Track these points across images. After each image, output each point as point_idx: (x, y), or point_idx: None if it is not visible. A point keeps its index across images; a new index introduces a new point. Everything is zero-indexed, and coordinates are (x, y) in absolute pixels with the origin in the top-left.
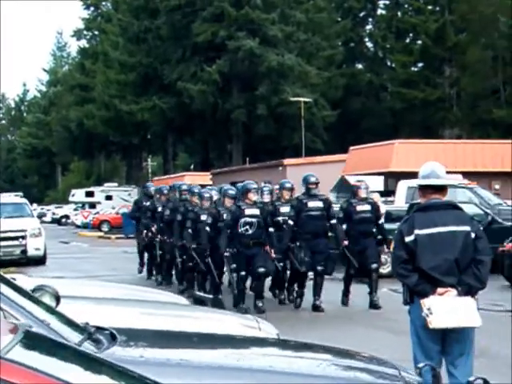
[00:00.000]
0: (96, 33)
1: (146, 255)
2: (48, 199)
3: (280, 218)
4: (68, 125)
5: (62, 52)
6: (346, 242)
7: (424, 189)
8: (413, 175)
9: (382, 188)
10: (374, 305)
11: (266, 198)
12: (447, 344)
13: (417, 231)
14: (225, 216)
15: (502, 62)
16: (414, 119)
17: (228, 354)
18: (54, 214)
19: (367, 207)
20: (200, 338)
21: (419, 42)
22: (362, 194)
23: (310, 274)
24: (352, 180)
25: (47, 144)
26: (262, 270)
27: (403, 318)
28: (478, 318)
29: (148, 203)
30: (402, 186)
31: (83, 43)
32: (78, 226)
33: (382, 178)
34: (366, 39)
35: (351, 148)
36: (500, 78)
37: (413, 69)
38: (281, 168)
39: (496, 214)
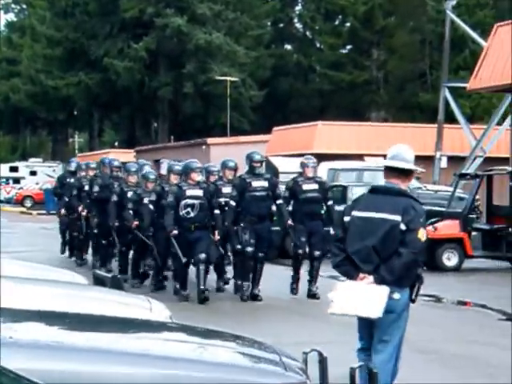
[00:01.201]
0: (24, 6)
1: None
2: None
3: (222, 199)
4: None
5: None
6: (290, 222)
7: (387, 171)
8: (335, 157)
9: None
10: (312, 294)
11: (213, 179)
12: (373, 329)
13: (354, 212)
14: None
15: (430, 46)
16: (341, 101)
17: (102, 336)
18: None
19: (314, 186)
20: (78, 319)
21: (348, 24)
22: (309, 172)
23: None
24: (276, 161)
25: None
26: (202, 256)
27: None
28: (379, 310)
29: (72, 180)
30: (323, 168)
31: (11, 17)
32: (1, 201)
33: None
34: (295, 20)
35: (274, 129)
36: (427, 62)
37: (341, 51)
38: (204, 147)
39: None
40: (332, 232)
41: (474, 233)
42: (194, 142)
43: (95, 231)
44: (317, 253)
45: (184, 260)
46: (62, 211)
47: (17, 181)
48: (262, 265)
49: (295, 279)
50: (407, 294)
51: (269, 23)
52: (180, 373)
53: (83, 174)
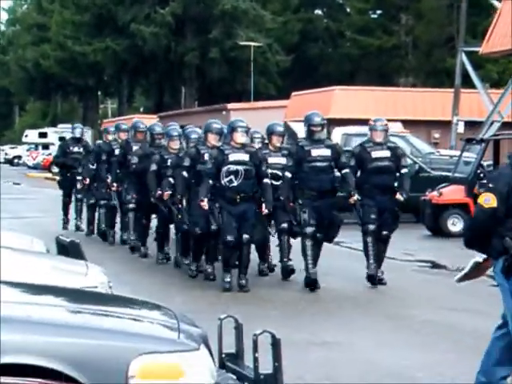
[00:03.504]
0: None
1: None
2: (5, 139)
3: (268, 171)
4: (25, 65)
5: None
6: (355, 197)
7: None
8: (352, 122)
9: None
10: (376, 280)
11: (256, 147)
12: None
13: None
14: (206, 157)
15: (457, 11)
16: (370, 66)
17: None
18: (6, 154)
19: (386, 153)
20: None
21: None
22: (379, 136)
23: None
24: (295, 126)
25: (5, 84)
26: (246, 237)
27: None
28: None
29: (76, 148)
30: (337, 133)
31: None
32: (29, 167)
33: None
34: None
35: (293, 94)
36: (454, 27)
37: (370, 16)
38: (224, 112)
39: (427, 163)
40: (398, 196)
41: None
42: (215, 108)
43: (130, 206)
44: (384, 233)
45: (228, 238)
46: (85, 181)
47: (46, 147)
48: (319, 246)
49: (367, 253)
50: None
51: None
52: (54, 339)
53: (110, 137)
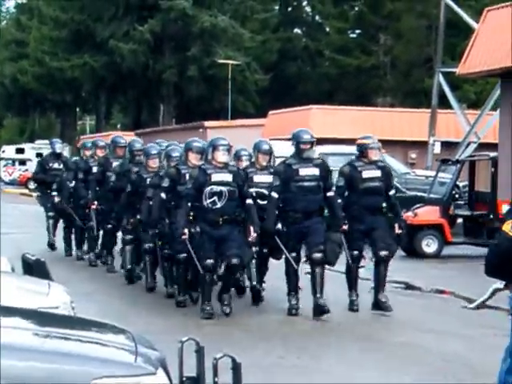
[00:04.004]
0: None
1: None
2: None
3: (253, 190)
4: (3, 80)
5: (0, 7)
6: (345, 227)
7: None
8: (329, 141)
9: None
10: (380, 305)
11: (243, 165)
12: None
13: None
14: (187, 177)
15: (436, 32)
16: (348, 86)
17: None
18: None
19: (377, 173)
20: None
21: (356, 8)
22: (373, 154)
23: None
24: (272, 145)
25: None
26: (235, 260)
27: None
28: None
29: (56, 164)
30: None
31: None
32: (6, 183)
33: None
34: (304, 3)
35: (270, 112)
36: (433, 48)
37: (349, 35)
38: (201, 130)
39: (402, 184)
40: (398, 230)
41: (459, 219)
42: (192, 125)
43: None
44: (383, 252)
45: (208, 263)
46: (56, 199)
47: (23, 162)
48: (322, 268)
49: (353, 293)
50: None
51: (276, 7)
52: (7, 362)
53: (87, 153)
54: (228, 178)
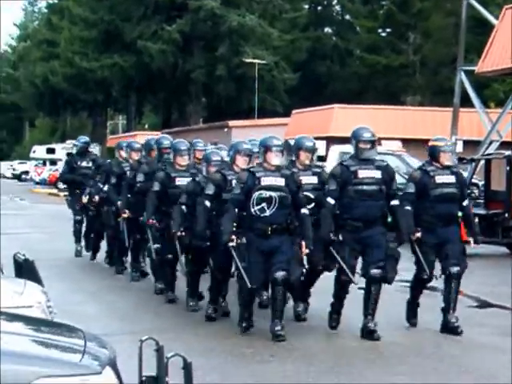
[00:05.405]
0: None
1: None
2: (15, 155)
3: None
4: (34, 80)
5: (33, 7)
6: (418, 234)
7: None
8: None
9: (323, 153)
10: (451, 328)
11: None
12: None
13: None
14: (233, 183)
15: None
16: (377, 84)
17: None
18: (14, 169)
19: (451, 179)
20: None
21: (385, 7)
22: (447, 159)
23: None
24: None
25: (15, 99)
26: (280, 274)
27: None
28: None
29: (84, 163)
30: (335, 151)
31: None
32: (36, 183)
33: (324, 142)
34: (334, 2)
35: (293, 111)
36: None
37: (379, 34)
38: (226, 129)
39: None
40: (473, 245)
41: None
42: (217, 125)
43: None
44: (455, 269)
45: (255, 285)
46: (84, 199)
47: (53, 163)
48: (378, 287)
49: (413, 306)
50: None
51: (306, 6)
52: None
53: (123, 154)
54: (280, 182)
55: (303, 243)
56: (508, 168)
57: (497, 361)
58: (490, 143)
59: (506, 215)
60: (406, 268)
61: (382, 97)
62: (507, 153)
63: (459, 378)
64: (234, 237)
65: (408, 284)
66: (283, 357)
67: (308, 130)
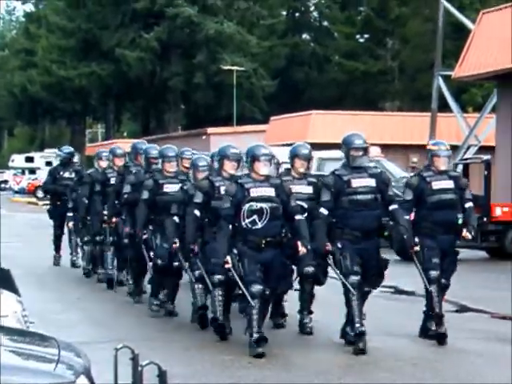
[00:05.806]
0: None
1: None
2: None
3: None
4: (12, 89)
5: (10, 16)
6: (417, 248)
7: None
8: (329, 146)
9: None
10: (429, 333)
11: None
12: None
13: None
14: (222, 190)
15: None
16: (356, 91)
17: None
18: None
19: (449, 184)
20: None
21: (363, 13)
22: (442, 163)
23: None
24: (273, 151)
25: None
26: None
27: None
28: None
29: (66, 173)
30: (313, 157)
31: (30, 7)
32: (16, 192)
33: None
34: (312, 9)
35: (271, 118)
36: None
37: (357, 40)
38: (204, 137)
39: (399, 188)
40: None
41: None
42: (195, 132)
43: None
44: (445, 281)
45: (257, 288)
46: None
47: (32, 171)
48: (366, 295)
49: (431, 316)
50: None
51: (284, 13)
52: None
53: (102, 164)
54: (270, 192)
55: (299, 243)
56: (486, 172)
57: (475, 365)
58: (468, 148)
59: (485, 219)
60: (390, 273)
61: (361, 103)
62: (485, 157)
63: (438, 382)
64: (228, 258)
65: (388, 289)
66: (262, 363)
67: (286, 137)
